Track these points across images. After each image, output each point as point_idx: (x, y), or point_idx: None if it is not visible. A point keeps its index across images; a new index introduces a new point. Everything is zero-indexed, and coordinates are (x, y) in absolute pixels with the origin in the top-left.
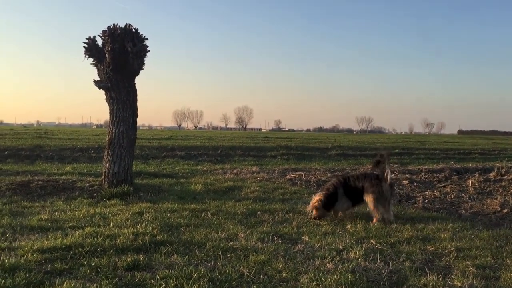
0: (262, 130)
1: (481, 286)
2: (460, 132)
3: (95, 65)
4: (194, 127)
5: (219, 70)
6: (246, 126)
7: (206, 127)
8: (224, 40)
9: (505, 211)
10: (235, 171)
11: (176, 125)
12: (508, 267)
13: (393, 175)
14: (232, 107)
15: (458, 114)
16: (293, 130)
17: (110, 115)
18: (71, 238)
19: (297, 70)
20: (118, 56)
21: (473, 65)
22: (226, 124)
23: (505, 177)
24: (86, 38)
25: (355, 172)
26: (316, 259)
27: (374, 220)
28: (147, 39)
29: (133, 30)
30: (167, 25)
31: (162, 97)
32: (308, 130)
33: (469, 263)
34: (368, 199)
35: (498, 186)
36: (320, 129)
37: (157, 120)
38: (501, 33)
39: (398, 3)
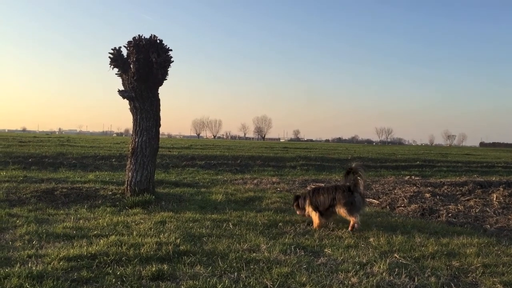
0: (281, 140)
1: None
2: (482, 144)
3: (120, 75)
4: (213, 136)
5: (238, 80)
6: (264, 136)
7: (224, 137)
8: (243, 50)
9: None
10: (255, 181)
11: (195, 134)
12: None
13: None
14: (251, 117)
15: (480, 126)
16: (311, 140)
17: (133, 125)
18: (96, 246)
19: (315, 80)
20: (143, 67)
21: (496, 76)
22: (244, 134)
23: None
24: (112, 49)
25: (327, 185)
26: (339, 272)
27: (351, 227)
28: (171, 49)
29: (158, 41)
30: (189, 36)
31: (182, 106)
32: (327, 141)
33: (496, 279)
34: (341, 211)
35: None
36: (339, 140)
37: (176, 129)
38: None
39: (415, 15)
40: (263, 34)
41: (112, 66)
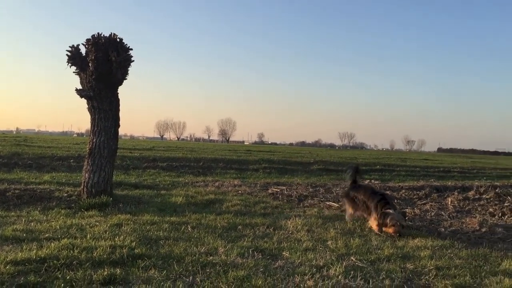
0: (245, 143)
1: None
2: (440, 150)
3: (78, 73)
4: (176, 138)
5: (203, 82)
6: (229, 139)
7: (188, 139)
8: (208, 53)
9: (483, 230)
10: (216, 183)
11: (159, 136)
12: (487, 287)
13: None
14: (215, 119)
15: (438, 132)
16: (275, 144)
17: (91, 125)
18: (46, 250)
19: (280, 84)
20: (102, 65)
21: (455, 84)
22: (209, 136)
23: (484, 196)
24: (70, 46)
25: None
26: (296, 275)
27: None
28: (131, 49)
29: (118, 39)
30: (153, 36)
31: (145, 107)
32: (291, 144)
33: (448, 282)
34: None
35: (477, 205)
36: (303, 143)
37: (140, 131)
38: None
39: (395, 23)
40: (228, 36)
41: (69, 64)
